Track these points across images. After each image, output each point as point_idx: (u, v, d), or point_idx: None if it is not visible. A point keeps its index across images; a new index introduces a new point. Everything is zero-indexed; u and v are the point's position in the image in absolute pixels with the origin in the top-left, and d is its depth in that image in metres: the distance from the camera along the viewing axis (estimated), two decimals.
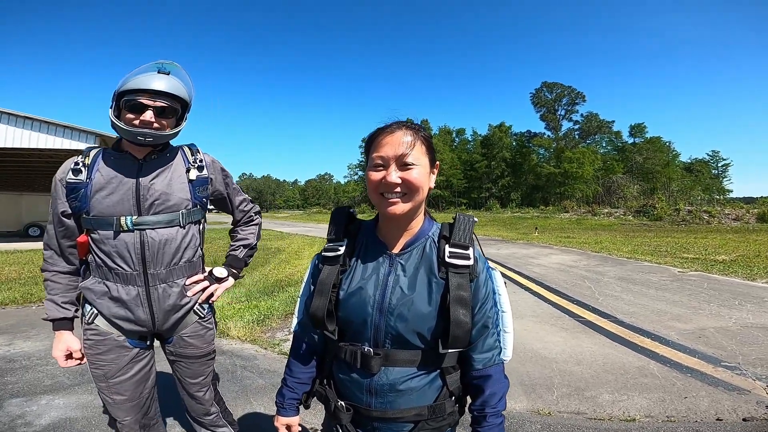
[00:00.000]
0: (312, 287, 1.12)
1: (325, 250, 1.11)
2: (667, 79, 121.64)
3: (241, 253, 1.93)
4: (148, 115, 1.47)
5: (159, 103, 1.49)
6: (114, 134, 1.60)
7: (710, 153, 57.00)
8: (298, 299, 1.23)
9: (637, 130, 52.50)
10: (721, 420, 2.63)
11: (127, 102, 1.46)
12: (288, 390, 1.20)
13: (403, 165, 0.97)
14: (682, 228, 21.56)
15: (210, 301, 1.76)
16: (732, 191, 53.62)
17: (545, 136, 54.72)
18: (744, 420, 2.62)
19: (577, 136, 53.38)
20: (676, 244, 12.86)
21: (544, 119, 55.07)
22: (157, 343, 1.78)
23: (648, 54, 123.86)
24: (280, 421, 1.22)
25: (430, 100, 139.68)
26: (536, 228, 21.37)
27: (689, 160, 56.37)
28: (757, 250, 11.06)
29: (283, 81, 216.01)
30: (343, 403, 1.08)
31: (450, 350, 0.99)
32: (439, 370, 1.06)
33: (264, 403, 2.88)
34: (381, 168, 0.99)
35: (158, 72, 1.52)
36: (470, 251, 1.02)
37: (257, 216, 2.02)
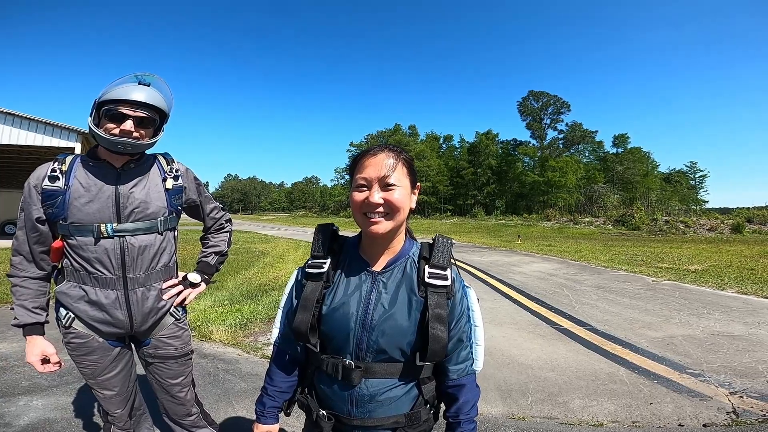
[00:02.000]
0: (295, 301, 1.18)
1: (309, 266, 1.15)
2: (648, 90, 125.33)
3: (212, 259, 1.99)
4: (128, 125, 1.52)
5: (139, 114, 1.54)
6: None
7: (688, 164, 58.80)
8: (279, 310, 1.27)
9: (620, 140, 53.82)
10: (682, 426, 2.77)
11: (107, 111, 1.50)
12: (269, 398, 1.23)
13: (385, 186, 1.03)
14: (658, 238, 22.20)
15: (184, 305, 1.83)
16: (708, 202, 55.18)
17: (530, 145, 55.63)
18: (704, 426, 2.77)
19: (561, 145, 54.42)
20: (652, 254, 13.25)
21: (529, 128, 55.97)
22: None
23: (631, 65, 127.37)
24: (260, 429, 1.25)
25: (419, 105, 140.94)
26: (519, 236, 21.72)
27: (668, 171, 58.00)
28: (729, 260, 11.49)
29: (271, 83, 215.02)
30: (324, 412, 1.14)
31: (427, 362, 1.07)
32: (415, 381, 1.13)
33: (246, 406, 2.92)
34: (364, 189, 1.05)
35: (138, 83, 1.57)
36: (448, 272, 1.09)
37: (228, 224, 2.07)
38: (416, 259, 1.13)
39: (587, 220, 31.59)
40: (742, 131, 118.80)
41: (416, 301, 1.08)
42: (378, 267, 1.13)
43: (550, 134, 55.65)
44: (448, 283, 1.09)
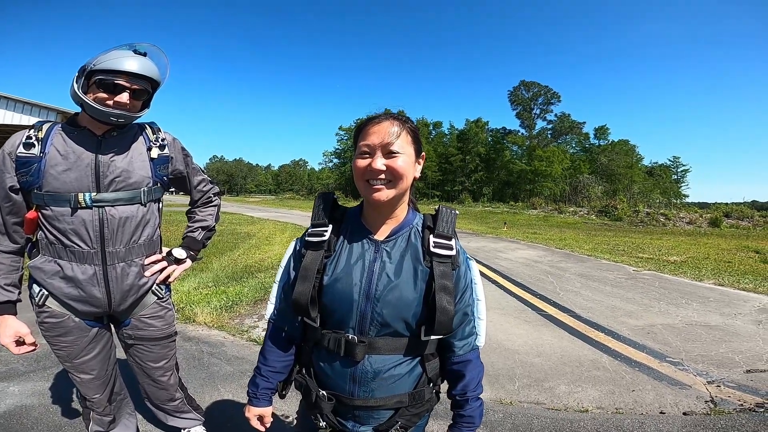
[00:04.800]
0: (293, 272, 1.12)
1: (309, 234, 1.10)
2: (638, 84, 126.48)
3: (199, 234, 1.91)
4: (125, 97, 1.45)
5: (136, 86, 1.47)
6: (74, 110, 1.56)
7: (671, 159, 59.90)
8: (275, 285, 1.21)
9: (600, 132, 54.53)
10: (664, 413, 2.84)
11: (102, 81, 1.42)
12: (262, 379, 1.18)
13: (388, 153, 1.00)
14: (639, 229, 22.70)
15: (167, 282, 1.76)
16: (688, 196, 56.60)
17: (519, 134, 55.89)
18: (684, 414, 2.83)
19: (549, 135, 54.82)
20: (633, 244, 13.53)
21: (519, 117, 56.10)
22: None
23: (625, 60, 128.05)
24: (252, 412, 1.20)
25: (408, 91, 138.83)
26: (505, 223, 21.91)
27: (651, 164, 59.05)
28: (707, 252, 11.81)
29: (259, 64, 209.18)
30: (325, 392, 1.09)
31: (433, 337, 1.03)
32: (419, 358, 1.09)
33: (232, 390, 2.87)
34: (367, 156, 1.01)
35: (134, 52, 1.49)
36: (453, 242, 1.06)
37: (216, 197, 2.00)
38: (420, 229, 1.10)
39: (572, 209, 32.06)
40: (723, 129, 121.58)
41: (422, 271, 1.04)
42: (381, 236, 1.09)
43: (539, 124, 56.01)
44: (454, 253, 1.05)
